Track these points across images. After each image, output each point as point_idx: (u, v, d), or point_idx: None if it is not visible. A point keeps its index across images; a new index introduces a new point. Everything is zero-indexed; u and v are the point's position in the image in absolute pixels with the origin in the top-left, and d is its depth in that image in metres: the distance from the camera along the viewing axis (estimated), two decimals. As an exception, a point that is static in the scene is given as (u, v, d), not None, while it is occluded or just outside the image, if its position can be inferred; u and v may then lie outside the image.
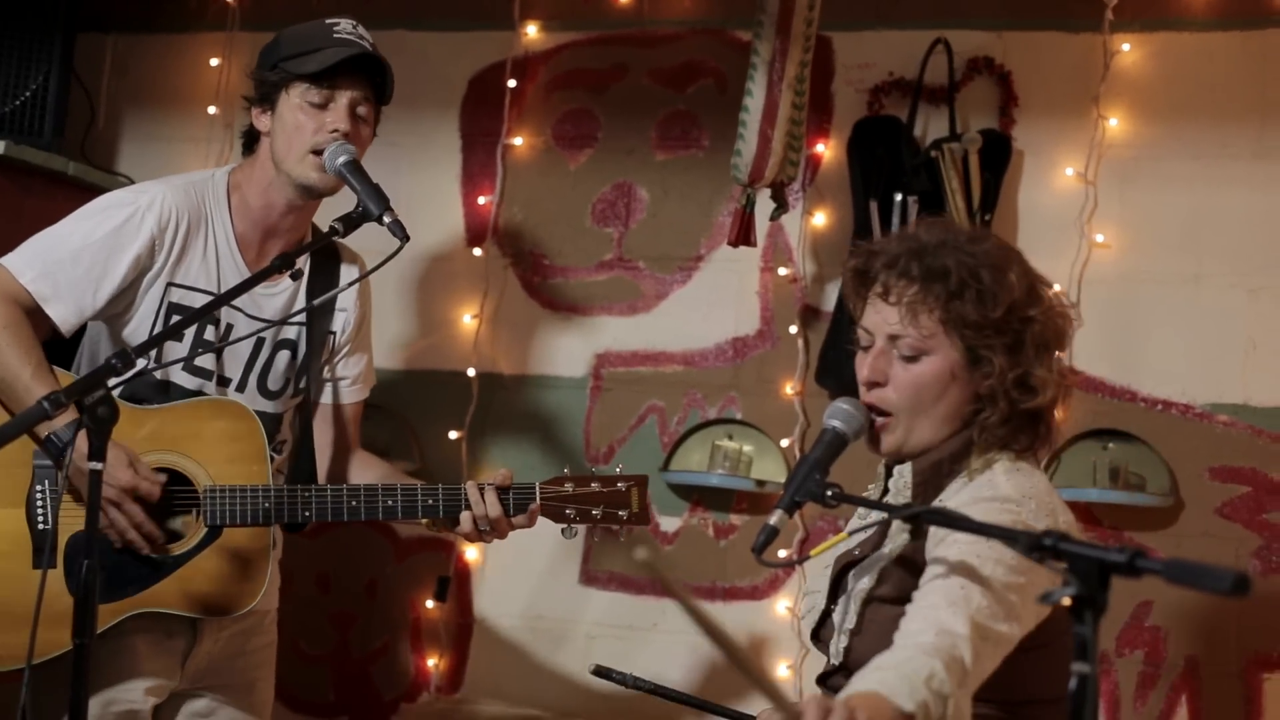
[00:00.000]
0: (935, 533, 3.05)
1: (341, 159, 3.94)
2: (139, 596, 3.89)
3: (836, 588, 3.31)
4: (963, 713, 2.82)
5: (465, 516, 4.02)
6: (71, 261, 3.92)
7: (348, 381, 4.38)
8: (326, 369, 4.33)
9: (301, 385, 4.26)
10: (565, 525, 4.10)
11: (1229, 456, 4.92)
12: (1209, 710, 4.86)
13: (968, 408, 3.21)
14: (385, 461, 4.52)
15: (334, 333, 4.30)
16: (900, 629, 2.92)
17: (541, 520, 4.09)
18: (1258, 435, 4.90)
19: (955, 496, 3.14)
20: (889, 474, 3.34)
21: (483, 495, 4.01)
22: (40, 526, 3.83)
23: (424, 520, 4.11)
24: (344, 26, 4.12)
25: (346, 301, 4.31)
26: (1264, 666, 4.84)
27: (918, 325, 3.17)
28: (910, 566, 3.10)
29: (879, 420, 3.21)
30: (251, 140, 4.22)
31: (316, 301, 4.16)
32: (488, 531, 4.04)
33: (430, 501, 4.03)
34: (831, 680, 3.28)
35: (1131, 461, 4.92)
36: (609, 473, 4.15)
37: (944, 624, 2.84)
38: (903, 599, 3.03)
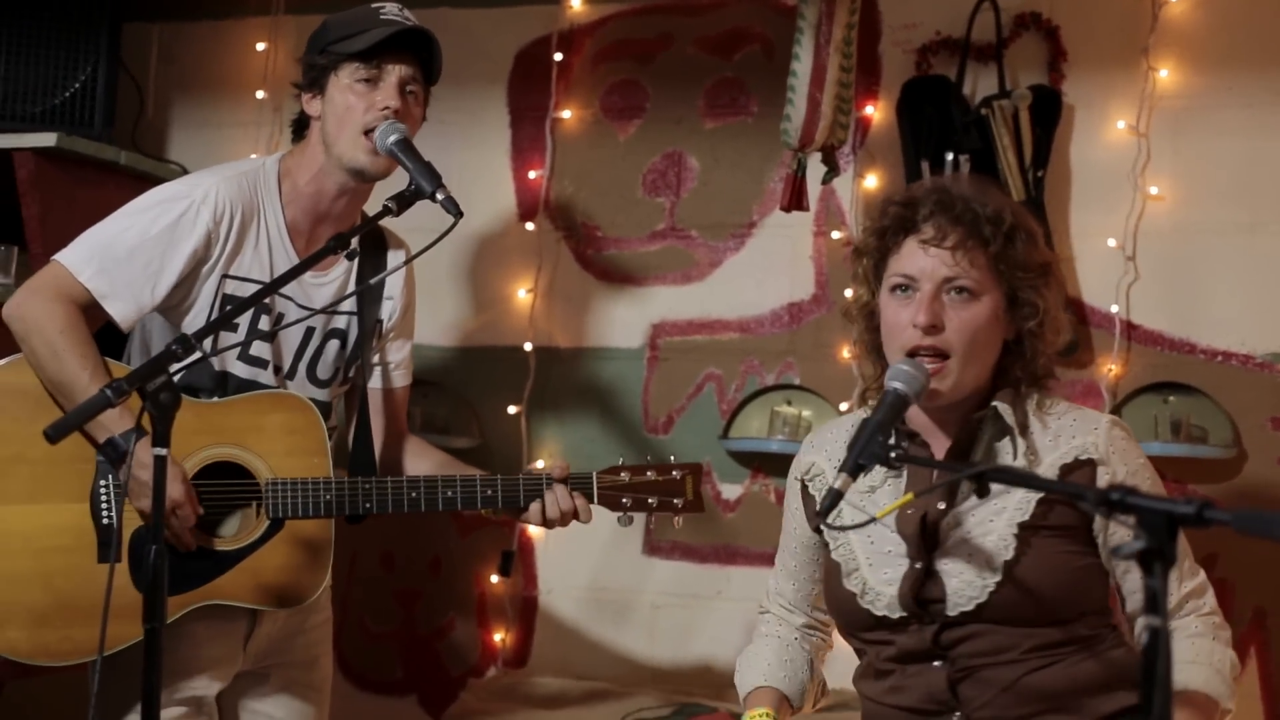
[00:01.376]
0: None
1: (393, 138, 3.94)
2: (203, 589, 3.90)
3: (929, 544, 3.30)
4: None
5: (534, 510, 4.07)
6: (129, 258, 3.91)
7: (394, 366, 4.39)
8: (376, 355, 4.35)
9: (351, 374, 4.28)
10: (621, 514, 4.15)
11: (1291, 405, 4.90)
12: (1278, 661, 4.84)
13: (999, 352, 3.33)
14: (437, 447, 4.53)
15: (381, 320, 4.32)
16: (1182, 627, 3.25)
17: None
18: (1319, 383, 4.88)
19: (1051, 432, 3.29)
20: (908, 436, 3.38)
21: (554, 490, 4.05)
22: (105, 521, 3.85)
23: (484, 510, 4.13)
24: (390, 9, 4.13)
25: (393, 289, 4.32)
26: (1332, 616, 4.84)
27: (975, 265, 3.27)
28: (1073, 510, 3.24)
29: (932, 365, 3.23)
30: (301, 127, 4.22)
31: (373, 280, 4.18)
32: (555, 520, 4.08)
33: (489, 492, 4.06)
34: (947, 634, 3.26)
35: (1193, 414, 4.90)
36: (664, 461, 4.18)
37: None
38: (1064, 528, 3.23)
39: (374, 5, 4.13)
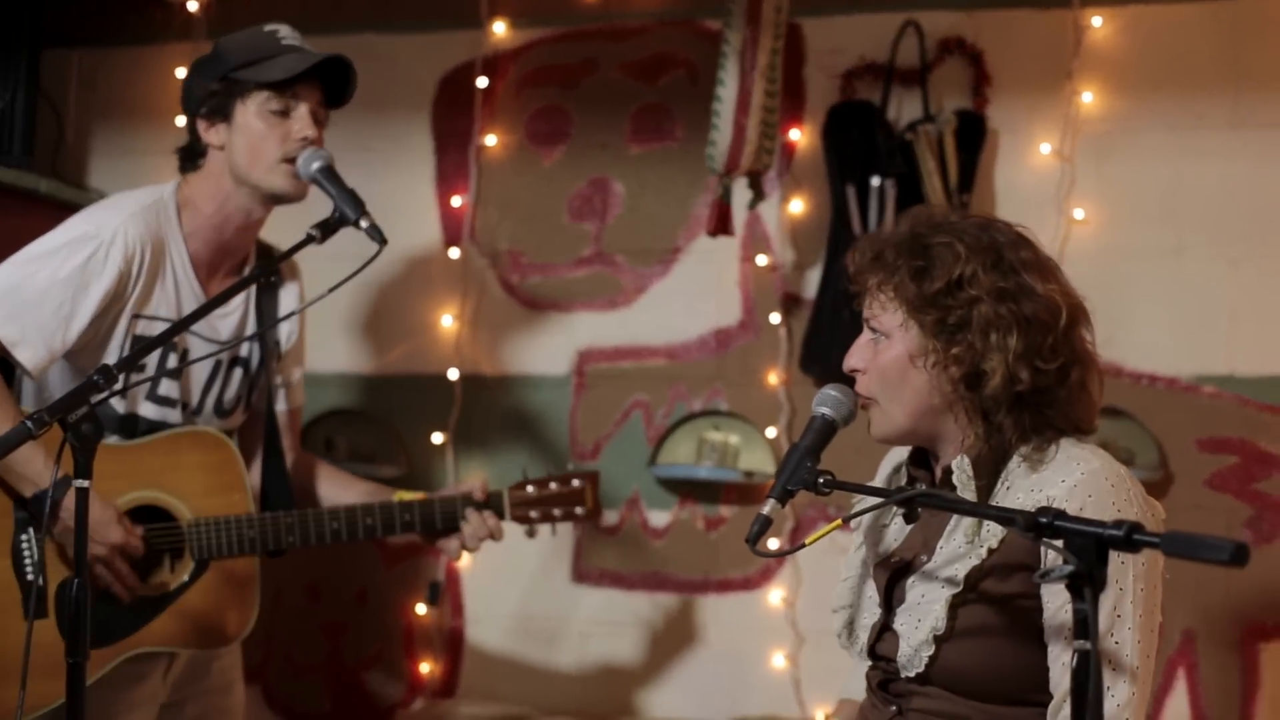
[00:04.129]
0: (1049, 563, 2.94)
1: (316, 165, 3.90)
2: (134, 637, 3.87)
3: (890, 598, 3.19)
4: None
5: (454, 546, 4.11)
6: (39, 302, 3.82)
7: (288, 387, 4.38)
8: (277, 375, 4.33)
9: (253, 399, 4.25)
10: (528, 526, 4.23)
11: (1217, 427, 4.91)
12: (1207, 682, 4.86)
13: (939, 394, 3.09)
14: (339, 469, 4.55)
15: (278, 343, 4.29)
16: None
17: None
18: (1244, 405, 4.90)
19: (1035, 479, 3.04)
20: (916, 473, 3.30)
21: (470, 521, 4.09)
22: (29, 577, 3.79)
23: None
24: (285, 32, 4.09)
25: (288, 309, 4.29)
26: (1260, 636, 4.85)
27: (878, 305, 3.13)
28: (1016, 569, 3.01)
29: (865, 402, 3.18)
30: (193, 155, 4.14)
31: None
32: (475, 549, 4.16)
33: (408, 517, 4.07)
34: (894, 685, 3.15)
35: (1120, 436, 4.91)
36: (564, 471, 4.27)
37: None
38: (1005, 596, 3.00)
39: (267, 29, 4.08)
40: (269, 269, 3.80)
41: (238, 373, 4.19)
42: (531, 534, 4.25)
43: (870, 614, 3.23)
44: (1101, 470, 3.00)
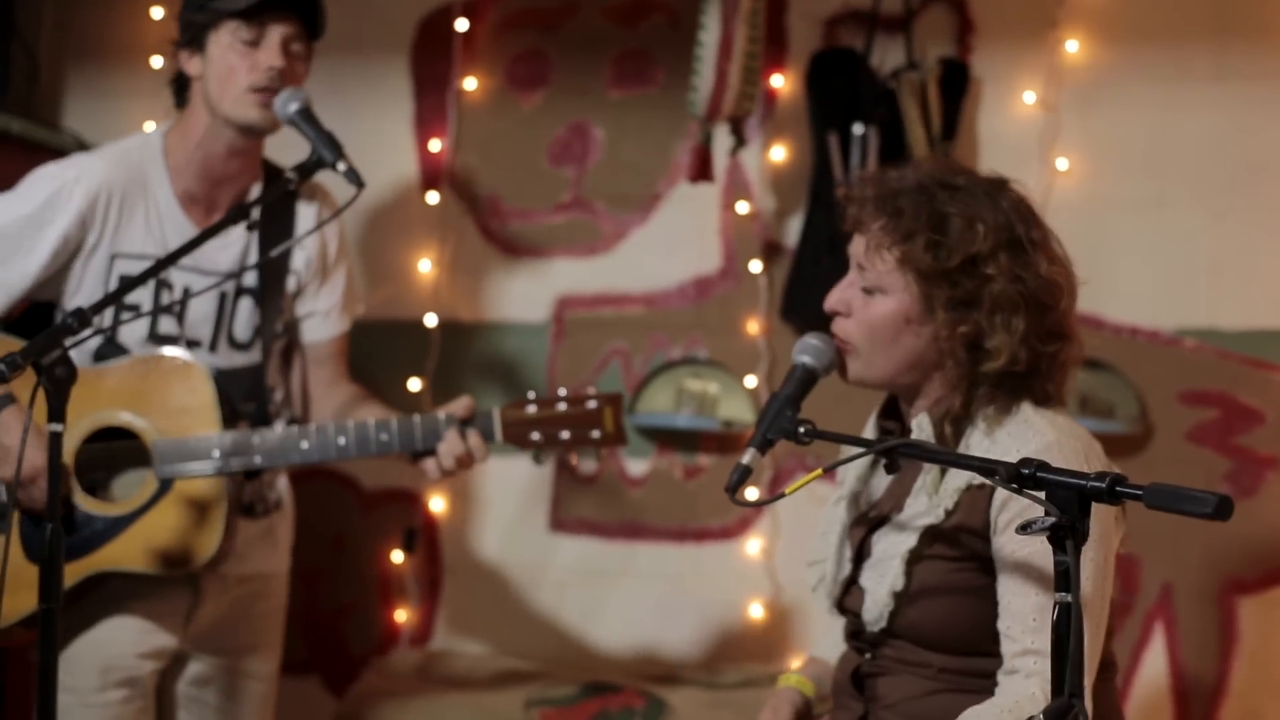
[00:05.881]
0: (1003, 512, 2.99)
1: (293, 107, 3.88)
2: (95, 556, 3.84)
3: (859, 552, 3.22)
4: None
5: (431, 466, 3.97)
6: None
7: (319, 317, 4.30)
8: (302, 304, 4.27)
9: (279, 329, 4.21)
10: (534, 451, 3.95)
11: (1198, 380, 4.90)
12: (1185, 636, 4.86)
13: (932, 357, 3.12)
14: (372, 399, 4.40)
15: (296, 271, 4.23)
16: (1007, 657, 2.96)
17: (509, 461, 4.04)
18: (1226, 358, 4.88)
19: (990, 444, 3.05)
20: (886, 425, 3.31)
21: (447, 438, 3.94)
22: None
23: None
24: None
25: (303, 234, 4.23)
26: (1238, 590, 4.84)
27: (879, 259, 3.11)
28: (967, 533, 3.04)
29: (843, 345, 3.17)
30: (182, 88, 4.15)
31: (273, 252, 4.09)
32: (452, 470, 3.96)
33: (384, 437, 3.95)
34: (865, 635, 3.19)
35: (1100, 388, 4.89)
36: (578, 391, 3.97)
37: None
38: (958, 558, 3.03)
39: None
40: (244, 211, 3.75)
41: (245, 302, 4.14)
42: (541, 460, 4.00)
43: (845, 569, 3.26)
44: (1056, 443, 2.99)
